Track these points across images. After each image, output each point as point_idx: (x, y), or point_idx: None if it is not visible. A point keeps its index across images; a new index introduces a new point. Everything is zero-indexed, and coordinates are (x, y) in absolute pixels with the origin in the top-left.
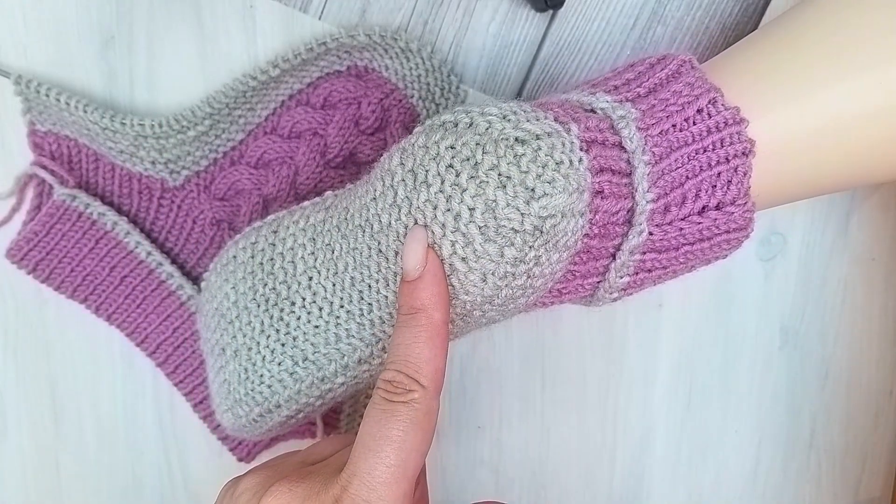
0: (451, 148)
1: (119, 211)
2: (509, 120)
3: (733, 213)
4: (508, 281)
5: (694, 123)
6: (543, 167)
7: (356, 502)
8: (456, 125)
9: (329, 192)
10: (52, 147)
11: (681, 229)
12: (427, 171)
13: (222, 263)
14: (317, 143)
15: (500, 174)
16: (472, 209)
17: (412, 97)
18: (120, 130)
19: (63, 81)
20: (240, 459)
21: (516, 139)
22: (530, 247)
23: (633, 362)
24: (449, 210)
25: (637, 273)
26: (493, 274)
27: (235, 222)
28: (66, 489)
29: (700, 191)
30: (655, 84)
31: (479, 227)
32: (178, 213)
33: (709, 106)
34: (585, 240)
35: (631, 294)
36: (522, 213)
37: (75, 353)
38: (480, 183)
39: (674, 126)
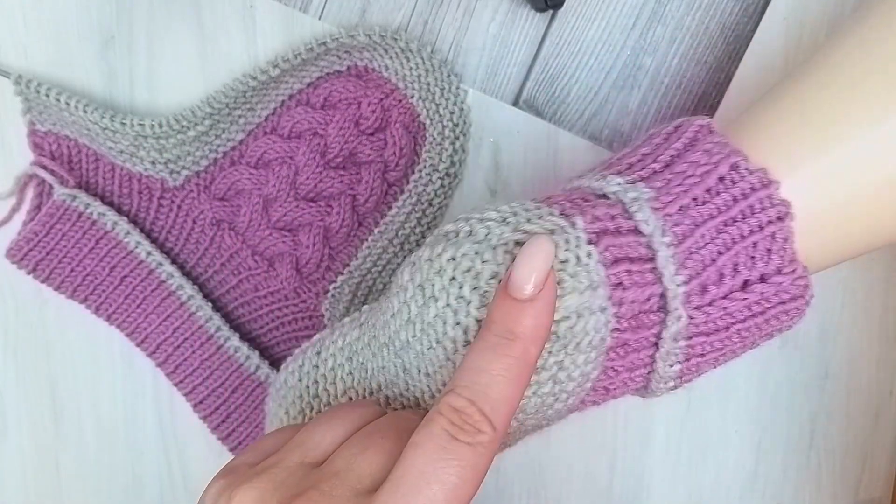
0: (452, 259)
1: (119, 211)
2: (508, 223)
3: (781, 282)
4: (534, 389)
5: (718, 193)
6: None
7: None
8: (457, 234)
9: (366, 307)
10: (52, 147)
11: (724, 308)
12: (433, 285)
13: (276, 388)
14: (317, 143)
15: (501, 282)
16: (479, 321)
17: (412, 97)
18: (120, 130)
19: (63, 81)
20: None
21: (516, 243)
22: (549, 353)
23: None
24: (458, 324)
25: (689, 359)
26: None
27: (235, 222)
28: (66, 489)
29: (738, 265)
30: (672, 156)
31: None
32: (178, 213)
33: (731, 172)
34: (616, 334)
35: (691, 380)
36: None
37: (75, 353)
38: (484, 293)
39: (694, 199)
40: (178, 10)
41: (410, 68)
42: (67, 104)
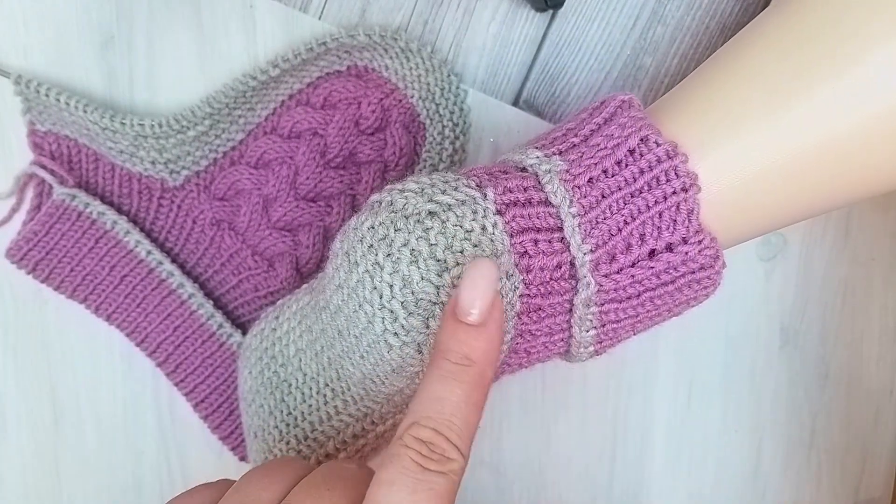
0: (371, 228)
1: (119, 211)
2: (425, 193)
3: (688, 252)
4: None
5: (626, 166)
6: (452, 238)
7: None
8: (380, 204)
9: (321, 273)
10: (52, 147)
11: (633, 276)
12: (356, 251)
13: (242, 351)
14: (317, 143)
15: (411, 250)
16: (391, 286)
17: (412, 97)
18: (120, 130)
19: (63, 81)
20: (241, 459)
21: (429, 212)
22: None
23: (633, 362)
24: (375, 289)
25: (604, 325)
26: (425, 345)
27: (235, 222)
28: (66, 489)
29: (644, 234)
30: (592, 130)
31: (401, 303)
32: (178, 213)
33: (640, 145)
34: (526, 299)
35: (613, 346)
36: (437, 286)
37: (75, 353)
38: (395, 260)
39: (604, 172)
40: (178, 10)
41: (410, 68)
42: (67, 104)
